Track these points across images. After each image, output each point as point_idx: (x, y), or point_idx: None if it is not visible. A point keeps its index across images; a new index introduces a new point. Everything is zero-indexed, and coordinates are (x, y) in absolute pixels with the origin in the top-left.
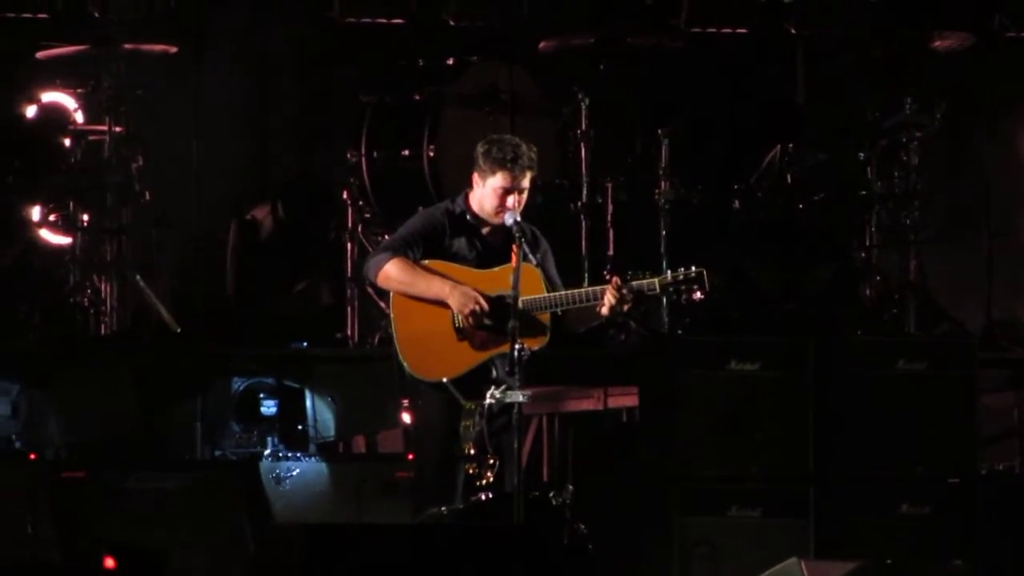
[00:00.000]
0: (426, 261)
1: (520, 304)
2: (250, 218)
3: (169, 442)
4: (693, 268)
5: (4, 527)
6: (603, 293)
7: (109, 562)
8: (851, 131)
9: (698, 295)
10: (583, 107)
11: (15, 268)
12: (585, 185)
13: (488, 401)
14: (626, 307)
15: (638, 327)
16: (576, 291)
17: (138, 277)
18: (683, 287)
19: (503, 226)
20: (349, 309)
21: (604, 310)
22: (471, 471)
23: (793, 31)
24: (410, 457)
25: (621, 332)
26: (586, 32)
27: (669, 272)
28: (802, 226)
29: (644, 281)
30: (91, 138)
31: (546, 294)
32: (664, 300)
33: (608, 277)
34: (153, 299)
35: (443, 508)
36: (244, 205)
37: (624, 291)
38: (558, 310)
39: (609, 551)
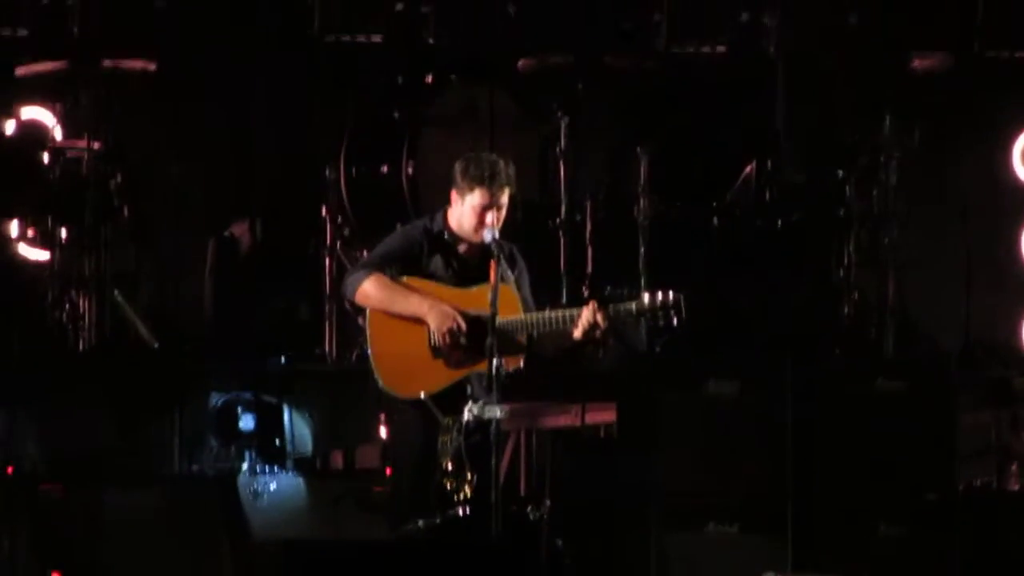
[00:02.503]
0: (404, 278)
1: (497, 324)
2: (228, 235)
3: (146, 457)
4: (671, 293)
5: None
6: (579, 316)
7: None
8: (830, 150)
9: (675, 321)
10: (562, 125)
11: None
12: (564, 202)
13: (466, 416)
14: (599, 333)
15: (616, 344)
16: (552, 314)
17: (116, 293)
18: (660, 313)
19: (480, 244)
20: (327, 325)
21: (578, 333)
22: (449, 486)
23: (772, 50)
24: (388, 472)
25: (599, 348)
26: (565, 52)
27: (647, 296)
28: (780, 245)
29: (621, 306)
30: (70, 154)
31: (523, 316)
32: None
33: (586, 294)
34: (131, 315)
35: (420, 523)
36: (222, 222)
37: (600, 316)
38: (534, 332)
39: (586, 567)
